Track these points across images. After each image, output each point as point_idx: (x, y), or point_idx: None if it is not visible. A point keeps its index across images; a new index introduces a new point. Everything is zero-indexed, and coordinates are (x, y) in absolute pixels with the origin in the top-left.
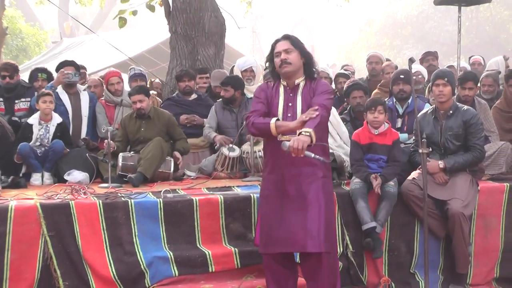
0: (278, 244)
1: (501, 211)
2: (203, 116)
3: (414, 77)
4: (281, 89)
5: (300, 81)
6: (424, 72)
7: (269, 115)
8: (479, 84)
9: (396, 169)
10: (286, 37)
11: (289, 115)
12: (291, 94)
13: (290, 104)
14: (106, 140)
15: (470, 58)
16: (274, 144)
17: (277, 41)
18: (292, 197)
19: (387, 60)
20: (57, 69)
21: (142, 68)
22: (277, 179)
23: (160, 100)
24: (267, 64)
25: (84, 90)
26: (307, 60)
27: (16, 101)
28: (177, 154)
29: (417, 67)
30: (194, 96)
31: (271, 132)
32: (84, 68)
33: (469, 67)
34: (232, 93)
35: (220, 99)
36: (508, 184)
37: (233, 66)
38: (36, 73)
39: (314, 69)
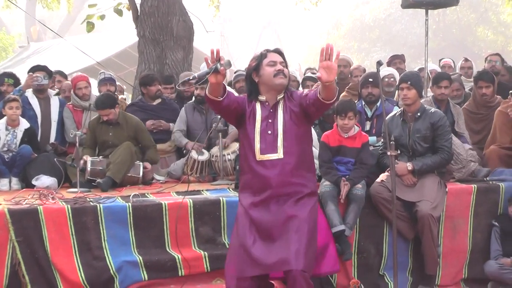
0: (256, 266)
1: (469, 213)
2: (169, 121)
3: (386, 80)
4: (258, 106)
5: (281, 98)
6: (397, 75)
7: (243, 131)
8: None
9: (363, 172)
10: (280, 52)
11: (269, 132)
12: (271, 110)
13: (269, 121)
14: (84, 157)
15: (440, 60)
16: (253, 162)
17: (268, 51)
18: (274, 218)
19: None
20: (30, 72)
21: (110, 72)
22: (256, 200)
23: (127, 103)
24: (252, 73)
25: (55, 95)
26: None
27: None
28: (147, 164)
29: (389, 69)
30: (158, 100)
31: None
32: (64, 75)
33: (440, 69)
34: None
35: (190, 101)
36: (475, 186)
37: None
38: (2, 78)
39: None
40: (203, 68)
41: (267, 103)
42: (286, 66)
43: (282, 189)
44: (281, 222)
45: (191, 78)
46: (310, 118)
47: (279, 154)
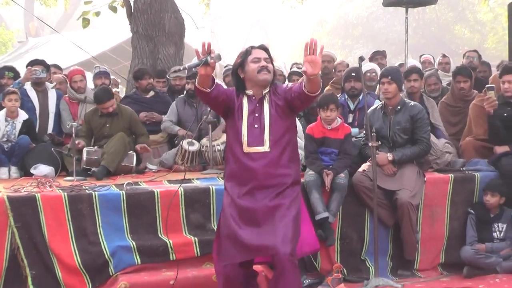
0: (244, 252)
1: (446, 201)
2: (161, 113)
3: (368, 74)
4: (245, 100)
5: (267, 92)
6: (378, 70)
7: (231, 124)
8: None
9: (346, 162)
10: (264, 48)
11: (255, 126)
12: (257, 104)
13: (256, 115)
14: (77, 141)
15: (420, 56)
16: (240, 154)
17: (252, 48)
18: (260, 206)
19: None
20: (28, 66)
21: (105, 66)
22: (242, 191)
23: (121, 96)
24: (238, 69)
25: (52, 88)
26: (274, 73)
27: None
28: (140, 145)
29: (371, 65)
30: (151, 93)
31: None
32: (59, 68)
33: (420, 65)
34: None
35: (181, 95)
36: (452, 175)
37: None
38: (3, 71)
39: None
40: (195, 61)
41: (253, 98)
42: (271, 62)
43: (267, 180)
44: (266, 210)
45: (181, 68)
46: (294, 110)
47: (266, 147)
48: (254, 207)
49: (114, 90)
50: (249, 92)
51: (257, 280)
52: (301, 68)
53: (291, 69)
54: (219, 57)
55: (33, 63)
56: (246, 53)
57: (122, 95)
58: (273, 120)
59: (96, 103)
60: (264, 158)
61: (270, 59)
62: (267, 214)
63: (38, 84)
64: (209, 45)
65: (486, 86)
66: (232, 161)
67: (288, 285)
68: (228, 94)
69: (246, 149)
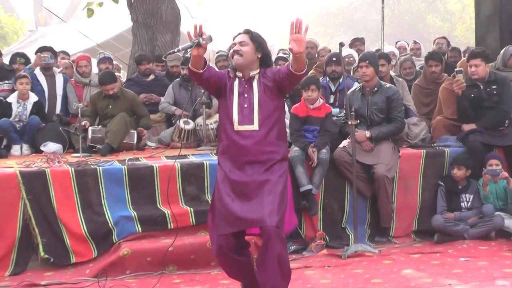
0: (235, 224)
1: (418, 174)
2: (160, 95)
3: (346, 59)
4: (236, 82)
5: (255, 73)
6: (355, 55)
7: (223, 104)
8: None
9: (327, 139)
10: (246, 32)
11: (245, 105)
12: (246, 86)
13: (245, 95)
14: (83, 122)
15: (396, 43)
16: (231, 132)
17: (237, 35)
18: (249, 180)
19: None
20: (37, 53)
21: (109, 52)
22: (234, 166)
23: (123, 80)
24: (230, 56)
25: (59, 72)
26: (264, 55)
27: (0, 83)
28: (141, 129)
29: (349, 50)
30: (152, 77)
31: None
32: (67, 54)
33: (397, 51)
34: None
35: (177, 79)
36: (424, 151)
37: None
38: (15, 57)
39: (270, 64)
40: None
41: (242, 79)
42: (255, 43)
43: (256, 156)
44: (256, 184)
45: (175, 50)
46: (283, 91)
47: (255, 126)
48: (245, 181)
49: (117, 74)
50: (239, 74)
51: (249, 249)
52: (286, 54)
53: (277, 54)
54: (210, 39)
55: (42, 50)
56: (233, 39)
57: (123, 79)
58: (262, 100)
59: (100, 85)
60: (254, 136)
61: (250, 41)
62: (257, 189)
63: (47, 69)
64: (200, 27)
65: (455, 69)
66: (224, 138)
67: (275, 254)
68: (219, 76)
69: (237, 127)
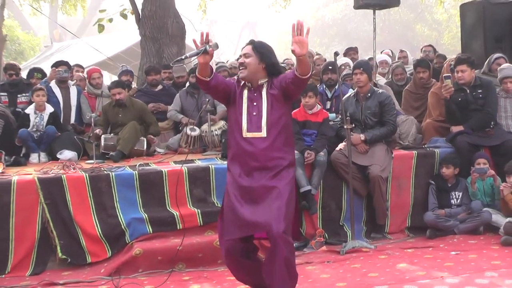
0: (244, 228)
1: (411, 174)
2: (167, 104)
3: (342, 67)
4: (245, 90)
5: (264, 82)
6: (350, 63)
7: (232, 111)
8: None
9: (324, 142)
10: (250, 43)
11: (254, 113)
12: (255, 94)
13: (255, 104)
14: (97, 130)
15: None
16: (240, 139)
17: (244, 47)
18: (257, 185)
19: (317, 54)
20: (53, 67)
21: (123, 64)
22: (242, 171)
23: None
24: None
25: (73, 85)
26: (268, 64)
27: (18, 96)
28: (151, 136)
29: (345, 59)
30: (160, 87)
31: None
32: (82, 67)
33: (389, 59)
34: None
35: (184, 88)
36: (416, 152)
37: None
38: (33, 72)
39: (278, 72)
40: (194, 60)
41: (252, 88)
42: (258, 54)
43: (264, 162)
44: (263, 190)
45: (183, 57)
46: (289, 97)
47: (263, 133)
48: (253, 186)
49: (133, 86)
50: (248, 83)
51: (259, 251)
52: (288, 64)
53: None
54: (216, 46)
55: (57, 64)
56: (242, 51)
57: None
58: (270, 108)
59: (109, 89)
60: (262, 142)
61: (253, 53)
62: (264, 194)
63: (61, 82)
64: (207, 35)
65: (444, 75)
66: (233, 145)
67: (282, 258)
68: (228, 84)
69: (245, 134)
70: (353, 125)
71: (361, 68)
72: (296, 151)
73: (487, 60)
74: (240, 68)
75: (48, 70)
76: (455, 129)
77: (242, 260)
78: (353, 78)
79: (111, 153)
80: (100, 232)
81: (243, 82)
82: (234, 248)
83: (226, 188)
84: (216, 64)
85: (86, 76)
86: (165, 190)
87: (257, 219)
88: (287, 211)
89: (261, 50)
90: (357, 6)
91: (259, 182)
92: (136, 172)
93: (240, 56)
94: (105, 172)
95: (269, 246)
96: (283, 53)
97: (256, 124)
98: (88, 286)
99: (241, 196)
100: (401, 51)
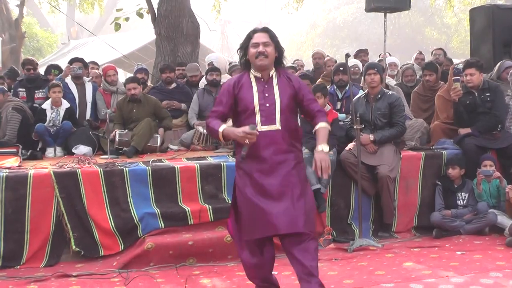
0: (260, 229)
1: (418, 174)
2: (181, 101)
3: (352, 69)
4: (253, 80)
5: (273, 72)
6: (360, 65)
7: (243, 106)
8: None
9: (334, 142)
10: (265, 30)
11: (267, 105)
12: (266, 85)
13: (266, 95)
14: (113, 132)
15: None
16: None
17: (255, 32)
18: (274, 181)
19: (328, 55)
20: (69, 63)
21: (139, 63)
22: (258, 167)
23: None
24: (239, 51)
25: (89, 81)
26: (279, 54)
27: (36, 91)
28: (161, 130)
29: (354, 61)
30: (174, 85)
31: (220, 139)
32: (97, 64)
33: (398, 61)
34: (219, 77)
35: (201, 88)
36: (423, 153)
37: (211, 62)
38: (50, 68)
39: (283, 63)
40: (208, 59)
41: (262, 79)
42: (274, 43)
43: (278, 156)
44: (281, 186)
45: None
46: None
47: (277, 126)
48: (269, 182)
49: (149, 84)
50: (257, 74)
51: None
52: (299, 65)
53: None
54: (253, 128)
55: (72, 61)
56: (248, 37)
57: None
58: (283, 100)
59: (125, 84)
60: (275, 136)
61: (272, 41)
62: (282, 191)
63: (77, 78)
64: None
65: (453, 78)
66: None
67: (311, 249)
68: (233, 93)
69: (260, 128)
70: (363, 126)
71: (375, 69)
72: (306, 150)
73: (497, 68)
74: (260, 57)
75: (65, 67)
76: (463, 131)
77: (260, 258)
78: (367, 79)
79: (125, 148)
80: (113, 226)
81: (246, 74)
82: (253, 248)
83: (236, 187)
84: (229, 64)
85: (101, 73)
86: (177, 186)
87: (281, 218)
88: (310, 209)
89: (275, 39)
90: (369, 9)
91: (276, 179)
92: (149, 168)
93: (257, 43)
94: (119, 167)
95: (296, 247)
96: (295, 53)
97: (270, 117)
98: (101, 278)
99: (258, 192)
100: (420, 53)
